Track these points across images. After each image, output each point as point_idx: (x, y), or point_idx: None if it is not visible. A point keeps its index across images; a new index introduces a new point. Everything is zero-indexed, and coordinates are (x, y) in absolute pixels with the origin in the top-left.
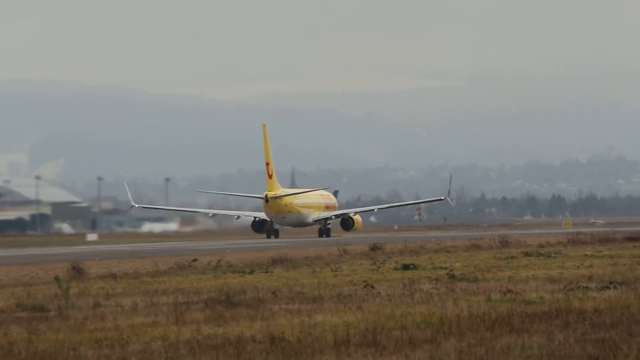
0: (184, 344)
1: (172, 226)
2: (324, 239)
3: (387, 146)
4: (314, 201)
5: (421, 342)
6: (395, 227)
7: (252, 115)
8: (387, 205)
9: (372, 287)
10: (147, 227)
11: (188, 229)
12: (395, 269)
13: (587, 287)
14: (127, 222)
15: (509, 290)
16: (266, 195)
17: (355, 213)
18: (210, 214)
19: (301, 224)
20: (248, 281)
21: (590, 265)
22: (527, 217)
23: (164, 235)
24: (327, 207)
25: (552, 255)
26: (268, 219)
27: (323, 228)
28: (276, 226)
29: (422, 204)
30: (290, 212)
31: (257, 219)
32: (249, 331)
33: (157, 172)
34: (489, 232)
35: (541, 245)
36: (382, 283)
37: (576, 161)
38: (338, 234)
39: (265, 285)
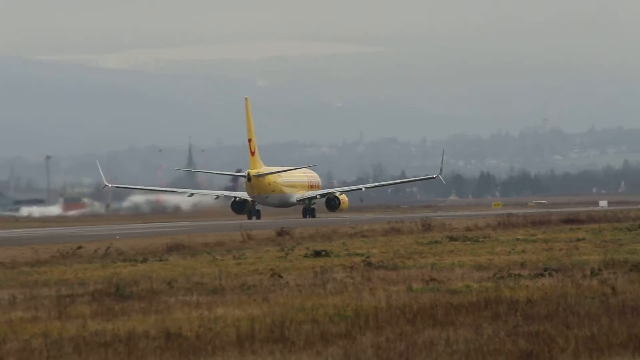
0: (68, 342)
1: (54, 210)
2: (309, 219)
3: (295, 119)
4: (297, 180)
5: (334, 337)
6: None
7: (147, 84)
8: (374, 184)
9: (280, 276)
10: (25, 210)
11: (73, 212)
12: (306, 256)
13: (519, 275)
14: (1, 206)
15: (432, 279)
16: (248, 174)
17: (342, 192)
18: (188, 194)
19: (285, 204)
20: (140, 271)
21: (523, 251)
22: (453, 198)
23: (45, 220)
24: (311, 187)
25: (480, 239)
26: (249, 199)
27: (307, 208)
28: (258, 206)
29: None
30: (273, 191)
31: (237, 199)
32: (142, 326)
33: (38, 151)
34: (410, 214)
35: (468, 229)
36: (290, 272)
37: (507, 135)
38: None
39: (160, 275)
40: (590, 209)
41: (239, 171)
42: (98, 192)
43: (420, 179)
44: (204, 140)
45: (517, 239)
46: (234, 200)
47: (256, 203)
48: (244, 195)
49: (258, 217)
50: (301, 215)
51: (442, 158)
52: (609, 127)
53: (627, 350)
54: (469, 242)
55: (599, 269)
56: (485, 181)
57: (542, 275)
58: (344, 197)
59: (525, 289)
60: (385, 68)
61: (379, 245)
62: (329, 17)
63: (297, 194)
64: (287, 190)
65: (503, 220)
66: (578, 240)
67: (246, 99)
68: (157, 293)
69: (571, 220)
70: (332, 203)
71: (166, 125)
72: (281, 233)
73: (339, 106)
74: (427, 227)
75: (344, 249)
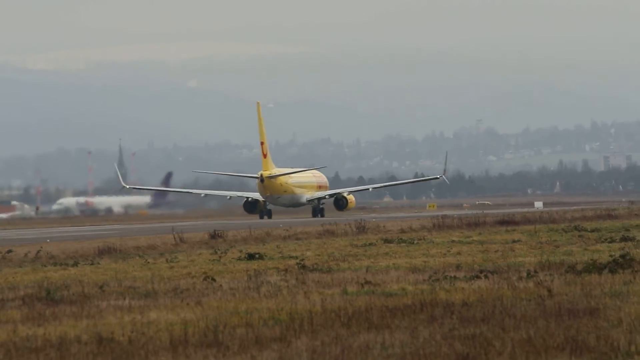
0: None
1: None
2: (318, 218)
3: (228, 120)
4: (307, 181)
5: (269, 341)
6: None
7: (76, 85)
8: (382, 185)
9: (213, 279)
10: None
11: (2, 215)
12: (239, 258)
13: (454, 277)
14: None
15: (367, 282)
16: (261, 175)
17: (349, 193)
18: (203, 194)
19: (295, 204)
20: (71, 275)
21: (458, 253)
22: (387, 199)
23: None
24: (320, 187)
25: (416, 241)
26: (260, 200)
27: (317, 208)
28: (269, 206)
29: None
30: (285, 192)
31: (249, 199)
32: (73, 331)
33: None
34: (344, 216)
35: (403, 231)
36: (224, 275)
37: (441, 135)
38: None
39: (91, 279)
40: (525, 210)
41: (169, 174)
42: (27, 195)
43: (426, 180)
44: (135, 143)
45: (453, 241)
46: (247, 201)
47: (267, 203)
48: (255, 195)
49: (269, 217)
50: (310, 215)
51: (446, 159)
52: (544, 127)
53: (563, 353)
54: (404, 244)
55: (535, 271)
56: (420, 182)
57: (477, 277)
58: (351, 197)
59: (461, 291)
60: (318, 68)
61: (313, 247)
62: (259, 18)
63: (307, 194)
64: (297, 190)
65: (438, 222)
66: (514, 241)
67: (258, 103)
68: (88, 297)
69: (506, 222)
70: (340, 203)
71: (96, 127)
72: (214, 236)
73: (271, 107)
74: (361, 229)
75: (278, 252)
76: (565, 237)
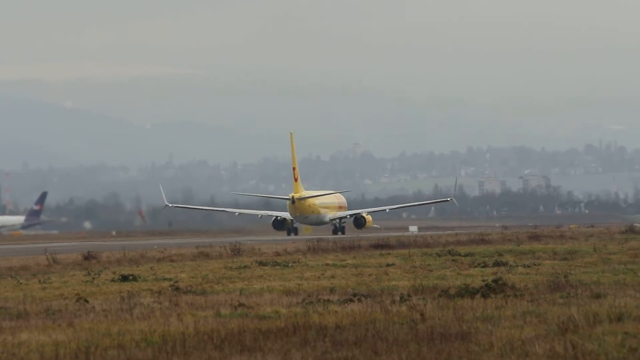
0: None
1: None
2: (339, 236)
3: (104, 142)
4: (330, 202)
5: None
6: (114, 232)
7: None
8: (399, 206)
9: (86, 300)
10: None
11: None
12: (113, 280)
13: (328, 300)
14: None
15: (241, 304)
16: (292, 197)
17: (368, 213)
18: (237, 213)
19: (320, 222)
20: None
21: (332, 276)
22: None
23: None
24: (340, 207)
25: (290, 264)
26: (288, 218)
27: (338, 226)
28: (295, 224)
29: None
30: (312, 212)
31: (278, 217)
32: None
33: None
34: (220, 238)
35: (278, 254)
36: (97, 296)
37: (318, 158)
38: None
39: None
40: (400, 234)
41: (44, 194)
42: None
43: (435, 202)
44: (9, 163)
45: (327, 264)
46: (276, 219)
47: (294, 221)
48: (283, 214)
49: (296, 234)
50: (331, 233)
51: (456, 183)
52: (420, 152)
53: None
54: (278, 267)
55: (408, 295)
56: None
57: (351, 300)
58: (369, 217)
59: (334, 315)
60: (196, 89)
61: (187, 269)
62: (138, 39)
63: (330, 214)
64: (322, 211)
65: (313, 245)
66: (388, 265)
67: (291, 133)
68: None
69: (381, 246)
70: (359, 222)
71: None
72: (88, 257)
73: (149, 128)
74: (236, 251)
75: (151, 274)
76: (439, 261)
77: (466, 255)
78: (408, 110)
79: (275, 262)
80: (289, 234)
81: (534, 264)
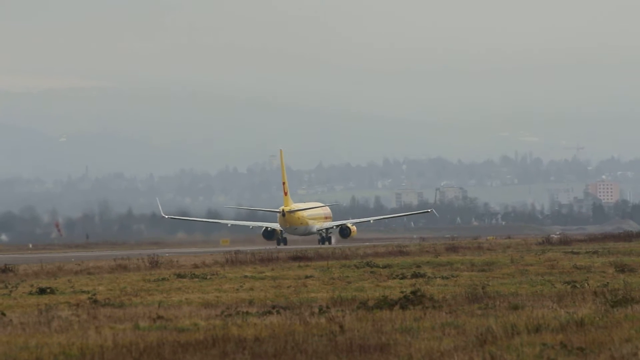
0: None
1: None
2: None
3: (19, 154)
4: (317, 213)
5: None
6: (30, 245)
7: None
8: (383, 217)
9: (3, 314)
10: None
11: None
12: (30, 293)
13: (247, 313)
14: None
15: (160, 317)
16: (283, 210)
17: (353, 224)
18: (229, 224)
19: (308, 233)
20: None
21: (251, 288)
22: (181, 235)
23: None
24: (326, 218)
25: (208, 276)
26: (277, 229)
27: (325, 236)
28: (284, 235)
29: None
30: (301, 224)
31: (268, 228)
32: None
33: None
34: (138, 251)
35: (196, 266)
36: (14, 309)
37: (235, 171)
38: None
39: None
40: (318, 246)
41: None
42: None
43: (417, 213)
44: None
45: (246, 276)
46: (266, 229)
47: (283, 232)
48: (273, 225)
49: (285, 244)
50: (317, 243)
51: (436, 195)
52: (336, 164)
53: None
54: (196, 279)
55: (327, 307)
56: (214, 218)
57: (270, 313)
58: (354, 227)
59: (253, 327)
60: (111, 101)
61: (105, 282)
62: (55, 52)
63: (317, 225)
64: (310, 222)
65: (231, 257)
66: (306, 277)
67: (281, 151)
68: None
69: (299, 258)
70: (345, 232)
71: None
72: (5, 270)
73: (63, 141)
74: (154, 264)
75: (69, 286)
76: (358, 273)
77: (384, 267)
78: (325, 122)
79: (194, 274)
80: (278, 244)
81: (452, 276)
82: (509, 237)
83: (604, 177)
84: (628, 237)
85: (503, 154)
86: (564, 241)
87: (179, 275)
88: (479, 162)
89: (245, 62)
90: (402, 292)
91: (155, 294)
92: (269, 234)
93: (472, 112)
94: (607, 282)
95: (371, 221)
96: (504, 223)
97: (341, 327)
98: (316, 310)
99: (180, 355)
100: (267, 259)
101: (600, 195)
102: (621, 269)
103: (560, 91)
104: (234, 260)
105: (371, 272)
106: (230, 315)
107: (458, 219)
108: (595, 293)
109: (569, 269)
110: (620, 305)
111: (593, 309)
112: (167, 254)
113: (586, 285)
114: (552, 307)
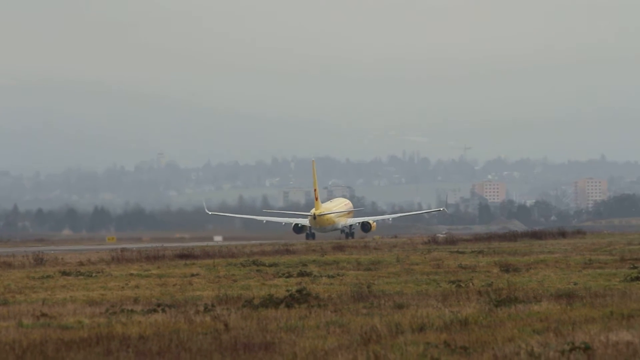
0: None
1: None
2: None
3: None
4: (342, 211)
5: None
6: None
7: None
8: (400, 214)
9: None
10: None
11: None
12: None
13: (132, 310)
14: None
15: (44, 314)
16: (314, 214)
17: (374, 221)
18: (264, 221)
19: (334, 229)
20: None
21: (137, 286)
22: (67, 232)
23: None
24: (349, 213)
25: (94, 274)
26: (306, 225)
27: (348, 232)
28: (313, 230)
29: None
30: (329, 224)
31: (299, 225)
32: None
33: None
34: (22, 248)
35: (81, 264)
36: None
37: (122, 169)
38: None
39: None
40: (205, 244)
41: None
42: None
43: (430, 212)
44: None
45: (131, 274)
46: (296, 225)
47: (311, 227)
48: (303, 221)
49: (313, 238)
50: (343, 236)
51: (447, 196)
52: (225, 162)
53: None
54: (82, 277)
55: (213, 305)
56: (100, 216)
57: (155, 310)
58: (374, 223)
59: (137, 325)
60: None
61: None
62: None
63: (342, 222)
64: (336, 220)
65: (117, 255)
66: (192, 275)
67: (313, 161)
68: None
69: (185, 256)
70: (366, 227)
71: None
72: None
73: None
74: (39, 261)
75: None
76: (244, 271)
77: (270, 265)
78: (213, 120)
79: (79, 272)
80: (307, 238)
81: (338, 274)
82: (396, 237)
83: (490, 177)
84: (513, 237)
85: (391, 153)
86: (450, 241)
87: (64, 273)
88: (366, 161)
89: (130, 58)
90: (287, 290)
91: (40, 292)
92: (299, 229)
93: (359, 112)
94: (492, 282)
95: (390, 219)
96: (390, 222)
97: (226, 325)
98: (201, 308)
99: (64, 353)
100: (153, 257)
101: (486, 195)
102: (505, 268)
103: (447, 92)
104: (120, 258)
105: (257, 270)
106: (114, 313)
107: None
108: (479, 292)
109: (454, 268)
110: (503, 305)
111: (477, 308)
112: (52, 251)
113: (471, 284)
114: (437, 307)
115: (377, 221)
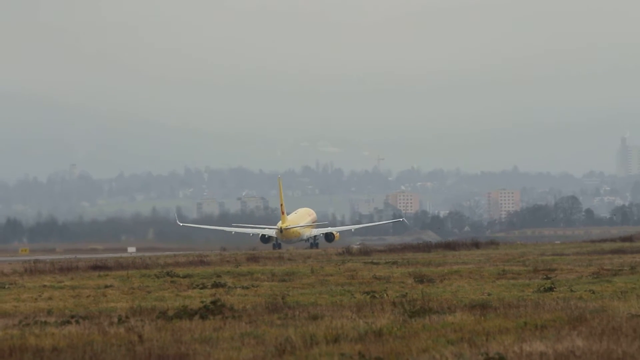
0: None
1: None
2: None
3: None
4: (307, 223)
5: None
6: None
7: None
8: (362, 225)
9: None
10: None
11: None
12: None
13: (45, 322)
14: None
15: None
16: (280, 227)
17: (337, 231)
18: (233, 232)
19: (299, 240)
20: None
21: (50, 298)
22: None
23: None
24: (313, 223)
25: (7, 286)
26: (273, 235)
27: (313, 242)
28: (279, 241)
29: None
30: (295, 236)
31: (265, 235)
32: None
33: None
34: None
35: None
36: None
37: (35, 180)
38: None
39: None
40: (119, 255)
41: None
42: None
43: (390, 222)
44: None
45: (45, 286)
46: (263, 236)
47: (278, 238)
48: (269, 232)
49: (279, 248)
50: (308, 246)
51: (404, 214)
52: (138, 173)
53: None
54: None
55: (127, 316)
56: (12, 227)
57: (69, 322)
58: (337, 233)
59: (51, 337)
60: None
61: None
62: None
63: (307, 233)
64: (302, 232)
65: (30, 267)
66: (106, 287)
67: (279, 178)
68: None
69: (99, 267)
70: (330, 237)
71: None
72: None
73: None
74: None
75: None
76: (158, 282)
77: (185, 276)
78: (126, 130)
79: None
80: (274, 248)
81: (253, 285)
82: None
83: (403, 187)
84: (427, 247)
85: (304, 164)
86: (364, 251)
87: None
88: (280, 171)
89: (44, 64)
90: (202, 301)
91: None
92: (266, 239)
93: (273, 123)
94: (406, 293)
95: (352, 230)
96: (353, 232)
97: (140, 337)
98: (115, 320)
99: None
100: (66, 269)
101: (400, 206)
102: (420, 279)
103: (359, 105)
104: (33, 270)
105: (172, 281)
106: (28, 324)
107: None
108: (394, 303)
109: (369, 279)
110: (418, 316)
111: (391, 319)
112: None
113: (385, 295)
114: (352, 317)
115: (340, 232)
